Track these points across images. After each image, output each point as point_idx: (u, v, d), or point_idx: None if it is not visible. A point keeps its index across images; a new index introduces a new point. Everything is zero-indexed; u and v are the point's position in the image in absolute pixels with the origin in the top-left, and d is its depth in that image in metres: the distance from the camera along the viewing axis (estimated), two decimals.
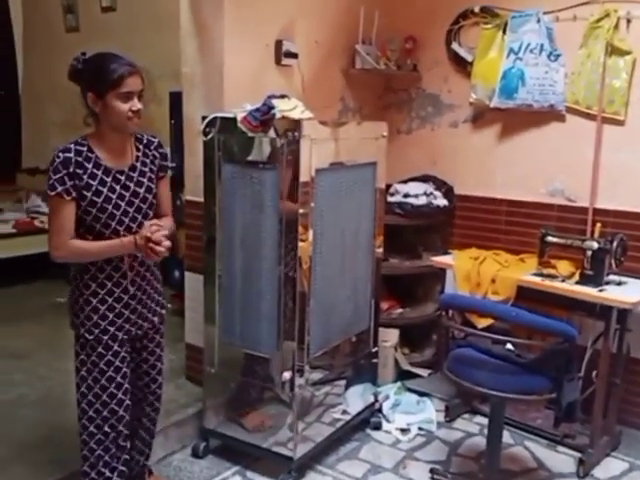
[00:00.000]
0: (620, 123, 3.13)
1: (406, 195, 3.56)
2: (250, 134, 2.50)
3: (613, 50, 3.10)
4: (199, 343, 2.95)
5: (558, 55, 3.26)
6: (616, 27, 3.08)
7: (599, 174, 3.20)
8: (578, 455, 2.87)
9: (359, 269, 2.96)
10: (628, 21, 3.07)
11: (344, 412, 2.97)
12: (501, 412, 2.58)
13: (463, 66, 3.58)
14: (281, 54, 3.13)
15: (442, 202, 3.59)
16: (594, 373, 2.88)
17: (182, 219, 3.17)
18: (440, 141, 3.74)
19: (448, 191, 3.65)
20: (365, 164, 2.92)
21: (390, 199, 3.57)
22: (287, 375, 2.59)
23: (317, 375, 2.77)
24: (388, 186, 3.59)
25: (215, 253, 2.70)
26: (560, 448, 3.00)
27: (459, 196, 3.66)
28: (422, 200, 3.54)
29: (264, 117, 2.45)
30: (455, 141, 3.69)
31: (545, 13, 3.25)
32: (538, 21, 3.27)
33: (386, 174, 3.09)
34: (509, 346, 2.58)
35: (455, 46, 3.59)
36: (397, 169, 3.74)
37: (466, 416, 3.26)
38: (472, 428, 3.15)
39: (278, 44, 3.13)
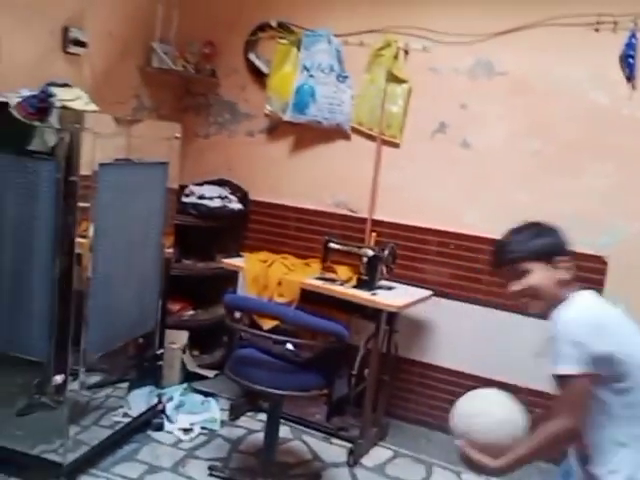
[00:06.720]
0: (396, 145, 3.46)
1: (201, 197, 3.58)
2: (26, 121, 2.34)
3: (392, 78, 3.41)
4: None
5: (346, 77, 3.51)
6: (396, 57, 3.41)
7: (377, 189, 3.50)
8: (349, 446, 3.08)
9: (146, 269, 2.91)
10: (406, 52, 3.40)
11: (125, 415, 2.89)
12: (278, 408, 2.69)
13: (260, 77, 3.71)
14: (68, 41, 2.98)
15: (237, 206, 3.67)
16: (366, 371, 3.14)
17: None
18: (237, 148, 3.83)
19: (243, 196, 3.75)
20: (156, 163, 2.89)
21: (185, 200, 3.57)
22: (58, 379, 2.45)
23: (96, 378, 2.67)
24: (183, 187, 3.59)
25: None
26: (335, 440, 3.19)
27: (253, 201, 3.77)
28: (217, 203, 3.59)
29: (41, 105, 2.32)
30: (251, 149, 3.79)
31: (336, 36, 3.49)
32: (329, 42, 3.50)
33: (182, 175, 3.09)
34: (289, 346, 2.71)
35: (252, 57, 3.71)
36: (194, 171, 3.78)
37: (250, 414, 3.34)
38: (255, 425, 3.23)
39: (64, 30, 2.98)
